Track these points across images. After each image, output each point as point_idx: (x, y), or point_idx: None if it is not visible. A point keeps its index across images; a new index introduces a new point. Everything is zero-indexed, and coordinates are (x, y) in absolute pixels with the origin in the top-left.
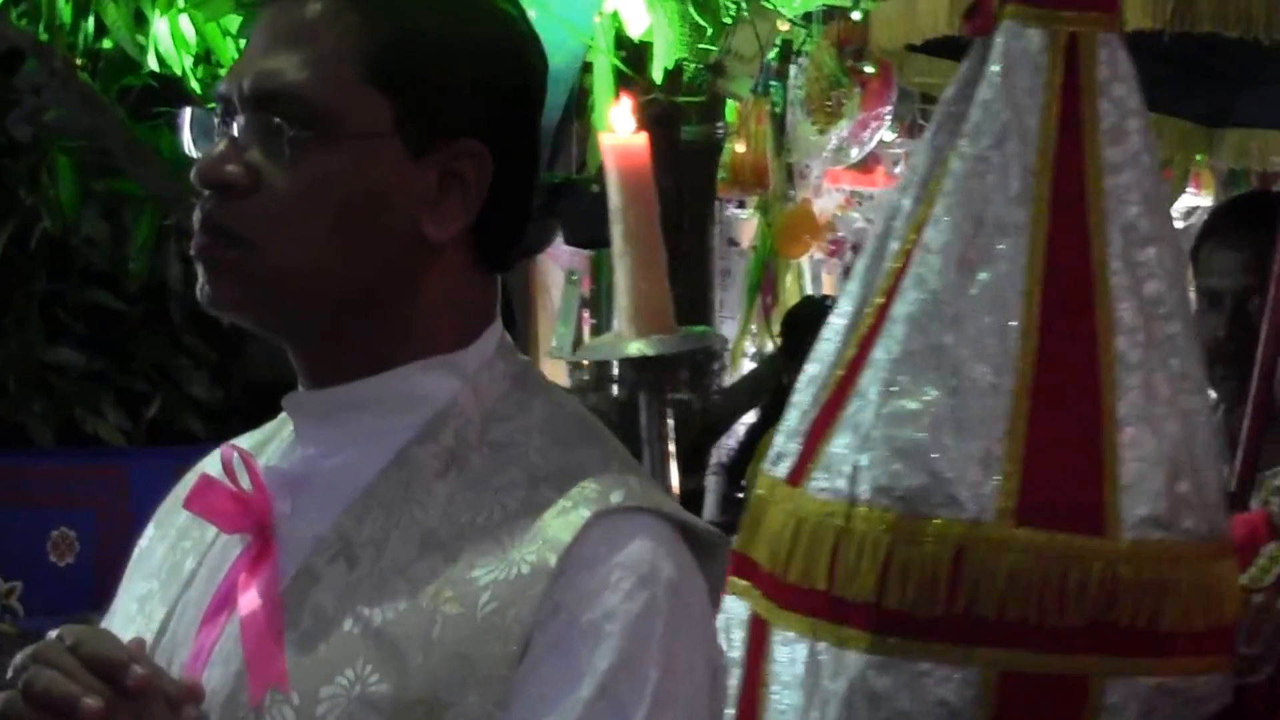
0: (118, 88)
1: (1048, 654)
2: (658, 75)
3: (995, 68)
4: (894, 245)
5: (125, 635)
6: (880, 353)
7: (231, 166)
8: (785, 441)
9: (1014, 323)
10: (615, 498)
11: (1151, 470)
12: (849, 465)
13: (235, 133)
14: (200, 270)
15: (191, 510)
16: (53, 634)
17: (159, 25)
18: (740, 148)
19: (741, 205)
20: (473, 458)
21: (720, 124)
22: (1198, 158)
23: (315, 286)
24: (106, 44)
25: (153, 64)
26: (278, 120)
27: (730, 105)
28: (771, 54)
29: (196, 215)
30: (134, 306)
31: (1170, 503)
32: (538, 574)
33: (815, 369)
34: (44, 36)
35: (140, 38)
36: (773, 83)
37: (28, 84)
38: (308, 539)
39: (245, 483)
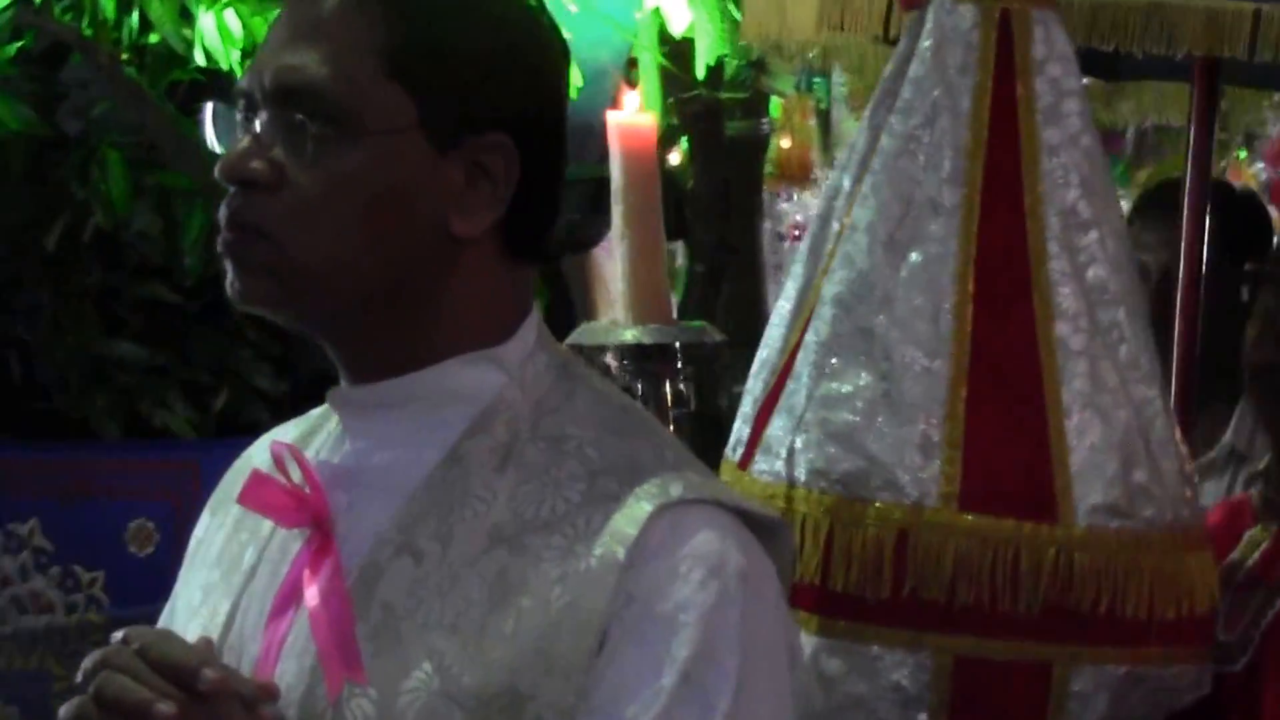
0: (166, 82)
1: (1002, 640)
2: (700, 72)
3: (926, 44)
4: (834, 226)
5: (190, 625)
6: (811, 335)
7: (255, 163)
8: (740, 426)
9: (946, 306)
10: (675, 490)
11: (1103, 458)
12: (784, 448)
13: (258, 129)
14: (228, 266)
15: (246, 505)
16: (118, 635)
17: (205, 20)
18: (785, 143)
19: (791, 199)
20: (529, 451)
21: (765, 119)
22: (1240, 155)
23: (343, 281)
24: (153, 39)
25: (199, 59)
26: (300, 117)
27: (775, 100)
28: (814, 50)
29: (222, 211)
30: (191, 300)
31: (1125, 491)
32: (607, 566)
33: (765, 354)
34: (88, 32)
35: (186, 32)
36: (816, 79)
37: (75, 78)
38: (367, 534)
39: (297, 477)
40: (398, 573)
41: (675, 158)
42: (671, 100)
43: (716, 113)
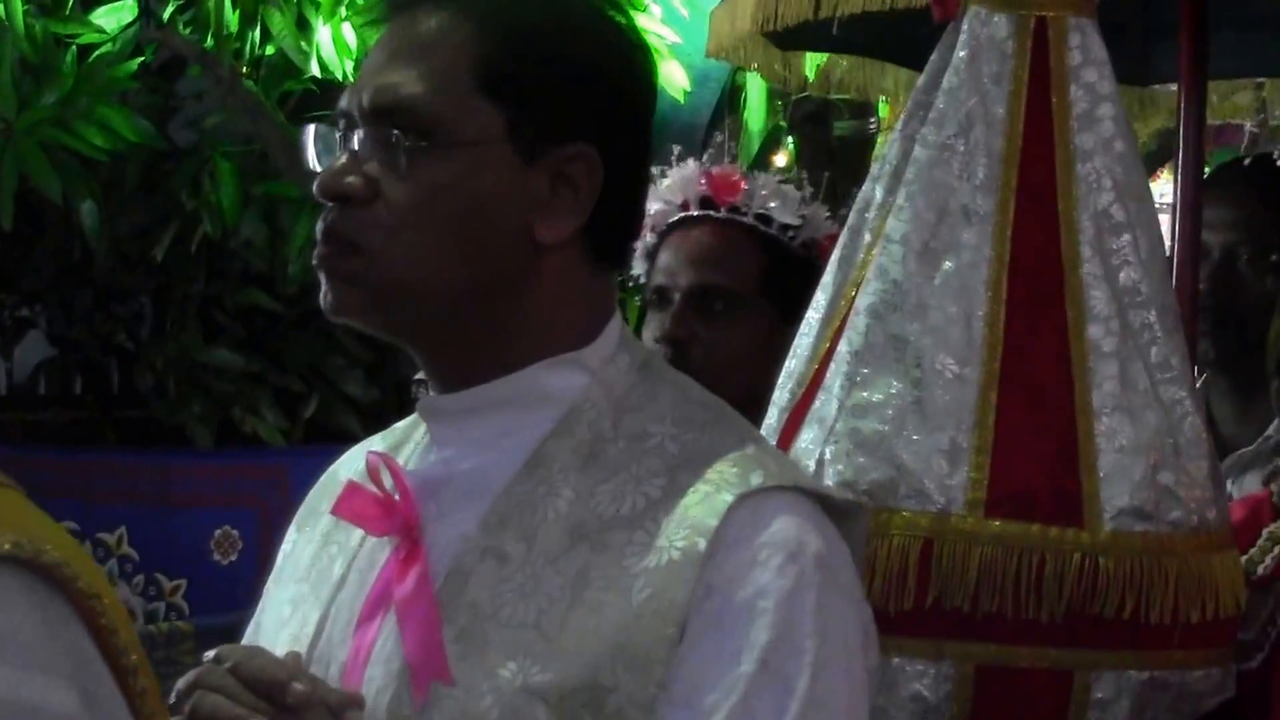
0: (279, 93)
1: (1025, 647)
2: (809, 73)
3: (961, 54)
4: (865, 237)
5: (278, 638)
6: (843, 345)
7: (351, 178)
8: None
9: (979, 312)
10: (755, 479)
11: (1131, 460)
12: (813, 459)
13: (356, 146)
14: (322, 279)
15: (339, 515)
16: (209, 655)
17: (321, 32)
18: None
19: None
20: (610, 450)
21: (873, 119)
22: None
23: (433, 291)
24: (269, 50)
25: (314, 70)
26: (395, 132)
27: (883, 101)
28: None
29: (319, 226)
30: (290, 308)
31: (1153, 494)
32: (688, 559)
33: (792, 364)
34: (209, 44)
35: (304, 44)
36: None
37: (189, 90)
38: (454, 539)
39: (389, 486)
40: (484, 575)
41: (782, 159)
42: (781, 102)
43: (826, 114)
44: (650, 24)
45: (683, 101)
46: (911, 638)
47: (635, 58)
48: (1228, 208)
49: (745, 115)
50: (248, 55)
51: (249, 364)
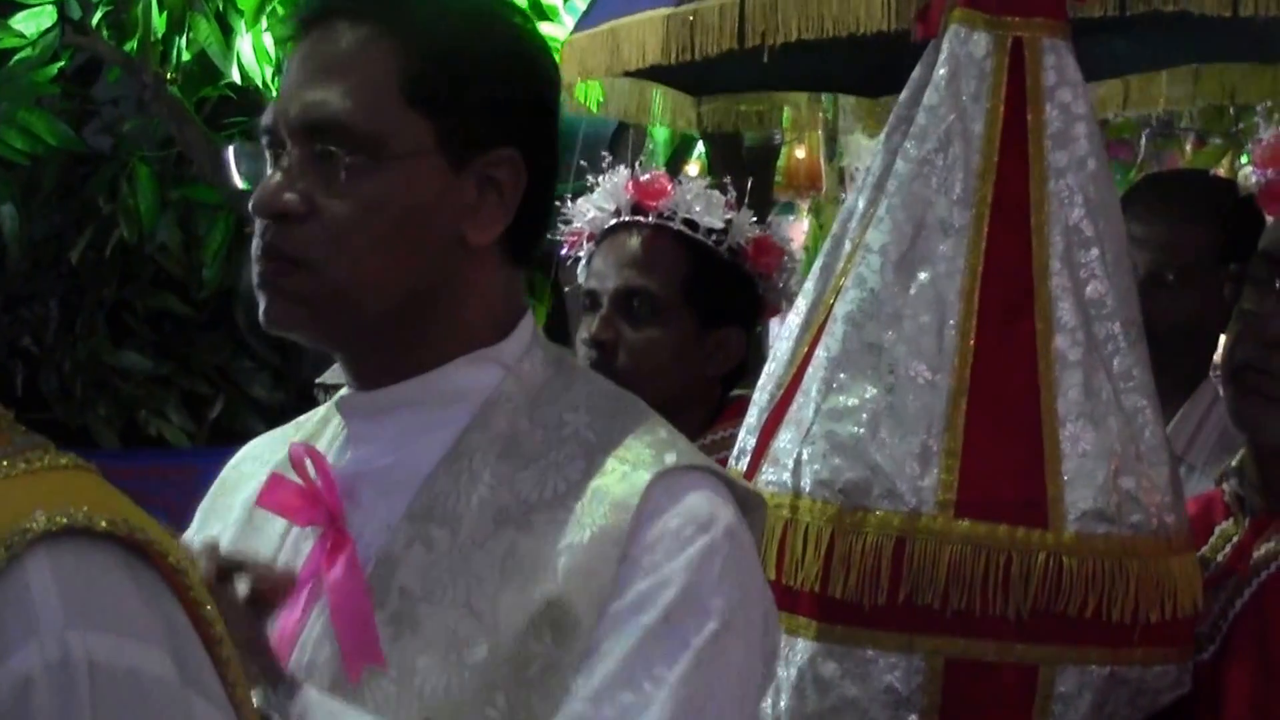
0: (195, 98)
1: (992, 642)
2: None
3: (941, 71)
4: (846, 246)
5: None
6: (821, 351)
7: (288, 195)
8: (745, 437)
9: (952, 322)
10: (669, 459)
11: (1094, 465)
12: (791, 459)
13: (285, 163)
14: (262, 295)
15: (264, 506)
16: None
17: (243, 40)
18: (800, 153)
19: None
20: (527, 440)
21: (777, 130)
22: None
23: (371, 300)
24: (186, 56)
25: (235, 76)
26: (330, 148)
27: (786, 111)
28: None
29: (256, 244)
30: (199, 311)
31: (1115, 498)
32: (610, 533)
33: (771, 367)
34: (131, 47)
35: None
36: None
37: (106, 95)
38: (379, 529)
39: (313, 476)
40: (412, 560)
41: (694, 169)
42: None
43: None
44: (563, 34)
45: (594, 110)
46: (884, 632)
47: (543, 59)
48: (1149, 223)
49: (649, 126)
50: (175, 62)
51: (157, 367)
